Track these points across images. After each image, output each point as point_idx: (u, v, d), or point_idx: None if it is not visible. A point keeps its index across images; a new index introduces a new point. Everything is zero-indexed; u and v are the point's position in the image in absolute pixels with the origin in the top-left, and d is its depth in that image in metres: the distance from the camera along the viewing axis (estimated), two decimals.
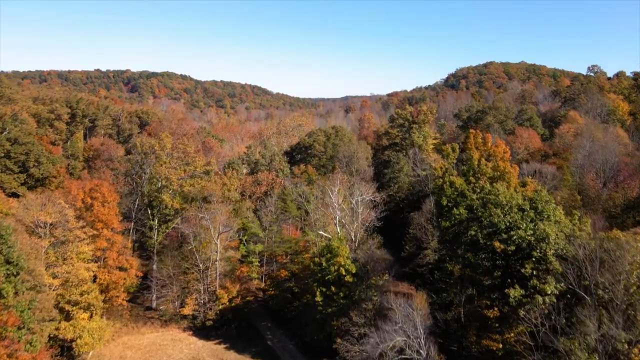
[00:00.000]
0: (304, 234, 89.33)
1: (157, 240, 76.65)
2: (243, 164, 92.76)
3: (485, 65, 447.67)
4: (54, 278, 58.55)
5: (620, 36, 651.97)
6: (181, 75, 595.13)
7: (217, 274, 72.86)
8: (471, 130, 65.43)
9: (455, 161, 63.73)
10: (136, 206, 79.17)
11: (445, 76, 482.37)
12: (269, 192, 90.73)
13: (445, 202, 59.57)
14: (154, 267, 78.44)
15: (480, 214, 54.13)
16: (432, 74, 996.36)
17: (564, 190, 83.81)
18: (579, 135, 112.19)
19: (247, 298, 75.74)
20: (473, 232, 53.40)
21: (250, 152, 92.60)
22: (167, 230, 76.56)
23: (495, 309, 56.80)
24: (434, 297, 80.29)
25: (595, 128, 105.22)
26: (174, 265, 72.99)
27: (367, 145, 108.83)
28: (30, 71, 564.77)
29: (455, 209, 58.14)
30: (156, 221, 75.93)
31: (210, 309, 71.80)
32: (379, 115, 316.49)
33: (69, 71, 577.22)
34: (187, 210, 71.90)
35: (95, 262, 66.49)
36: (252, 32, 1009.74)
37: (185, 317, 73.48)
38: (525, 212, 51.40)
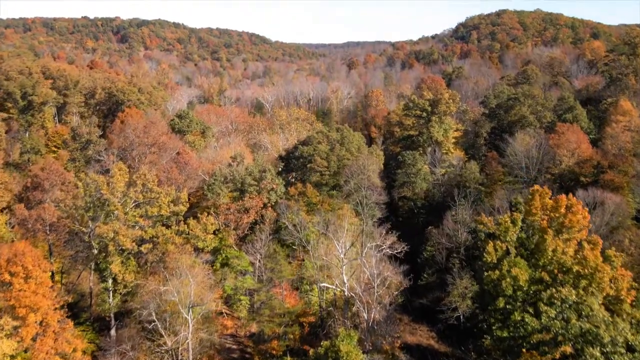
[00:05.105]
0: (303, 266, 72.56)
1: (113, 304, 59.49)
2: (226, 183, 74.35)
3: (498, 15, 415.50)
4: None
5: None
6: (174, 23, 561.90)
7: (190, 354, 56.23)
8: (536, 186, 46.25)
9: (515, 237, 45.29)
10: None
11: (454, 25, 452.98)
12: (258, 222, 72.97)
13: (502, 304, 41.64)
14: (112, 332, 61.79)
15: (560, 338, 36.63)
16: (438, 19, 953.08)
17: (633, 230, 65.28)
18: (634, 133, 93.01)
19: None
20: None
21: (235, 170, 73.91)
22: (127, 290, 59.26)
23: None
24: None
25: None
26: (133, 344, 56.14)
27: (379, 154, 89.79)
28: (13, 19, 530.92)
29: (515, 313, 40.71)
30: (110, 282, 58.48)
31: None
32: (383, 71, 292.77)
33: (55, 19, 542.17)
34: (145, 286, 54.15)
35: (24, 352, 49.91)
36: None
37: None
38: (636, 353, 33.89)
